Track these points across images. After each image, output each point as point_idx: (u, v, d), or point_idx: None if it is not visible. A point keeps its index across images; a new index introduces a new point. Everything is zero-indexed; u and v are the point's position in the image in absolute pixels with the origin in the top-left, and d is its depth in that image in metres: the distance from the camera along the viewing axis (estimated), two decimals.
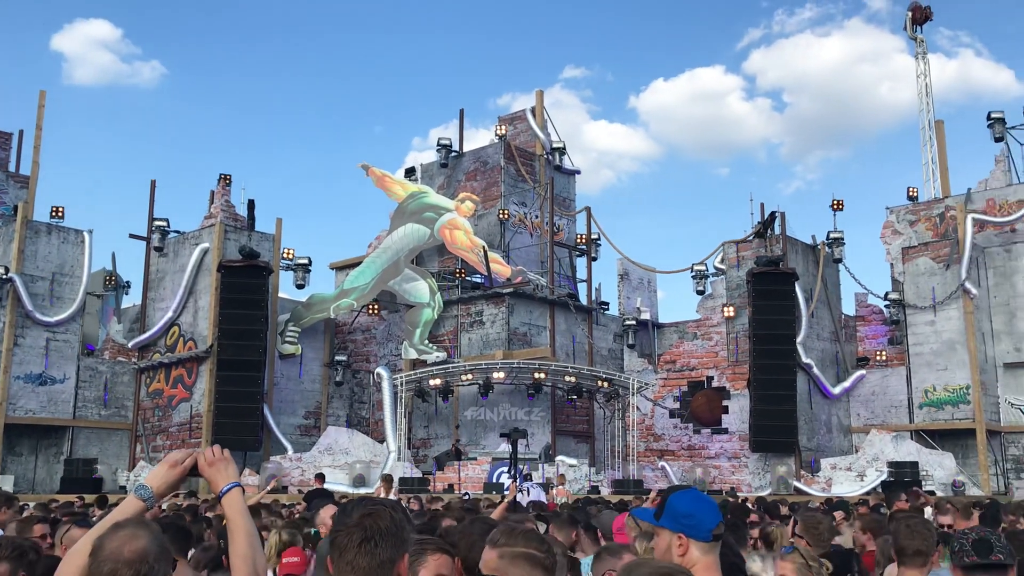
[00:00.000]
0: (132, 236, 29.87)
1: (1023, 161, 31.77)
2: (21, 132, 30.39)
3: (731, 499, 22.17)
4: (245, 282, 26.78)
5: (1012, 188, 31.12)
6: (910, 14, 37.22)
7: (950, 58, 77.56)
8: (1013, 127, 31.89)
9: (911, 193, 32.63)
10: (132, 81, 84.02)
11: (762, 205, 30.75)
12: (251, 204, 29.15)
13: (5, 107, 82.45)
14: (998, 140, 31.93)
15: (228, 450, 3.01)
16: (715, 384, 30.06)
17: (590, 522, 6.73)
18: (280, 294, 29.66)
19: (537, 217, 32.75)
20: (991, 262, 30.29)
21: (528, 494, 20.69)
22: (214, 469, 2.91)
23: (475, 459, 25.06)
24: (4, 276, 26.55)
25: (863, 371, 31.13)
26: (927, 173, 35.06)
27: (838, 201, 30.74)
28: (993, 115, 31.92)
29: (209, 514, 10.83)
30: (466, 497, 18.28)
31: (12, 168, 30.12)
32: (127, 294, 33.05)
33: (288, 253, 29.45)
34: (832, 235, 30.76)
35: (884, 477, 25.42)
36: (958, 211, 30.30)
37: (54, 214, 28.39)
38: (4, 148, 30.09)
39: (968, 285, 29.02)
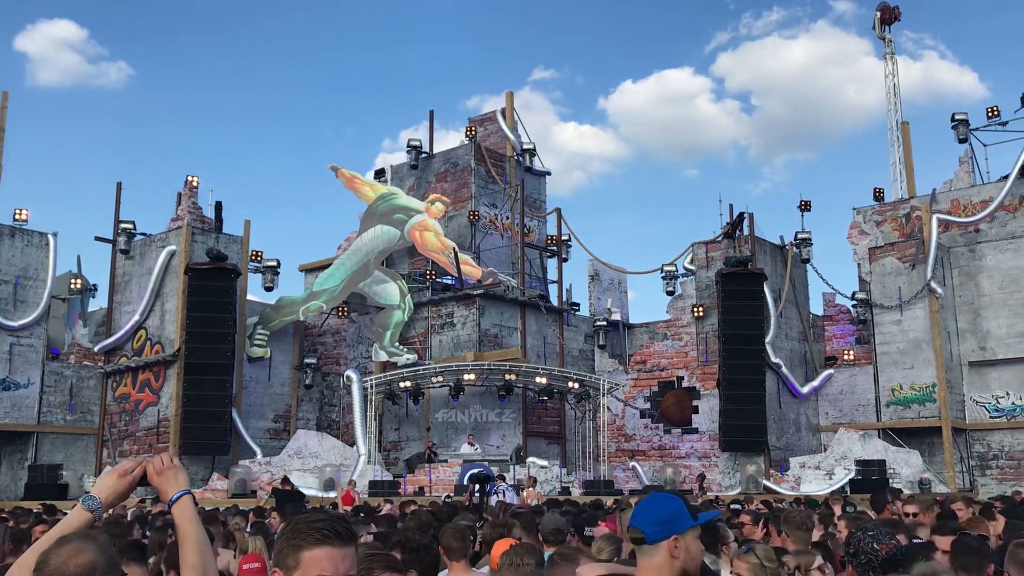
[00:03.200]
0: (98, 239, 29.54)
1: (986, 162, 32.28)
2: None
3: (697, 493, 22.29)
4: (213, 285, 26.54)
5: (976, 189, 31.56)
6: (878, 14, 37.47)
7: (915, 60, 78.61)
8: (976, 128, 32.34)
9: (877, 194, 33.00)
10: (98, 82, 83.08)
11: (731, 206, 30.99)
12: (219, 206, 28.90)
13: None
14: (962, 141, 32.36)
15: (177, 458, 2.97)
16: (685, 384, 30.21)
17: (535, 525, 6.70)
18: (248, 296, 29.43)
19: (508, 218, 32.75)
20: (956, 262, 30.70)
21: (504, 496, 20.71)
22: (163, 478, 2.86)
23: (446, 461, 25.00)
24: None
25: (831, 370, 31.43)
26: (894, 173, 35.49)
27: (805, 202, 31.04)
28: (957, 116, 32.34)
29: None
30: (448, 499, 18.23)
31: None
32: (93, 297, 32.60)
33: (256, 255, 29.22)
34: (800, 236, 31.04)
35: (852, 475, 25.66)
36: (923, 211, 30.68)
37: (17, 216, 27.97)
38: None
39: (933, 285, 29.39)
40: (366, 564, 3.18)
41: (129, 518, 10.59)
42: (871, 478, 24.55)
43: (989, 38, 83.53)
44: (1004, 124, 31.78)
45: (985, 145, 32.44)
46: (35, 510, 14.24)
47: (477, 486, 17.89)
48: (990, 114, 32.04)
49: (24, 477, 25.82)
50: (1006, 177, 30.70)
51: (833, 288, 32.53)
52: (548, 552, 4.92)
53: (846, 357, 31.35)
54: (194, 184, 29.03)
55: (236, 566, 6.57)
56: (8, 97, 28.82)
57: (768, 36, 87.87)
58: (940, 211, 31.02)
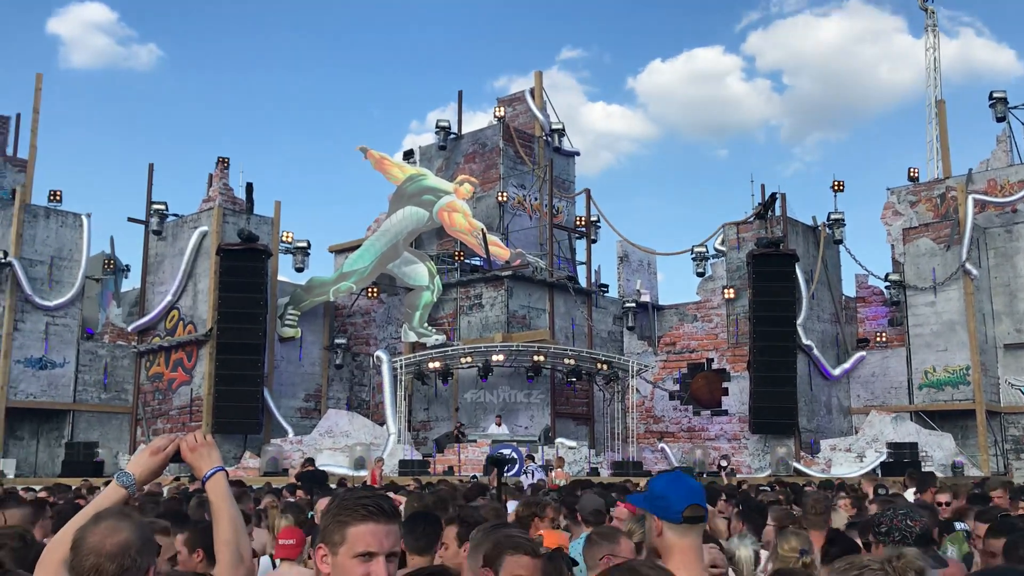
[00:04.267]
0: (131, 220, 29.83)
1: None
2: (18, 116, 30.27)
3: (723, 475, 22.19)
4: (244, 265, 26.75)
5: (1013, 168, 31.00)
6: None
7: (951, 38, 77.09)
8: (1015, 107, 31.71)
9: (912, 174, 32.50)
10: (129, 64, 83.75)
11: (762, 186, 30.68)
12: (249, 187, 29.09)
13: (2, 91, 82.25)
14: (1000, 120, 31.75)
15: (211, 435, 2.99)
16: (715, 366, 30.07)
17: (572, 505, 6.71)
18: (279, 277, 29.64)
19: (536, 199, 32.66)
20: (992, 243, 30.21)
21: (532, 476, 20.77)
22: (196, 454, 2.89)
23: (475, 441, 25.11)
24: (3, 260, 26.52)
25: (863, 352, 31.12)
26: (931, 151, 34.82)
27: (839, 182, 30.64)
28: (995, 95, 31.72)
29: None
30: (473, 479, 18.32)
31: (10, 152, 29.99)
32: (126, 278, 33.04)
33: (287, 236, 29.40)
34: (833, 216, 30.66)
35: (883, 458, 25.46)
36: (959, 192, 30.19)
37: (52, 198, 28.34)
38: (1, 132, 29.96)
39: (969, 266, 28.96)
40: (503, 539, 3.27)
41: (166, 495, 10.74)
42: (903, 461, 24.32)
43: None
44: None
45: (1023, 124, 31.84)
46: (74, 487, 14.49)
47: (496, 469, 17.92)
48: None
49: (61, 454, 26.29)
50: None
51: (866, 269, 32.21)
52: (585, 532, 4.92)
53: (878, 339, 31.04)
54: (225, 165, 29.24)
55: (272, 544, 6.64)
56: (42, 79, 29.14)
57: (800, 14, 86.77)
58: (976, 191, 30.52)
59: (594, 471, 24.50)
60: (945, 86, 36.41)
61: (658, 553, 2.99)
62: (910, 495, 10.22)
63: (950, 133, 32.95)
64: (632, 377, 27.80)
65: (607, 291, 32.91)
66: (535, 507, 5.84)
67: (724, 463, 25.47)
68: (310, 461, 20.36)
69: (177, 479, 18.30)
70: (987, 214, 30.48)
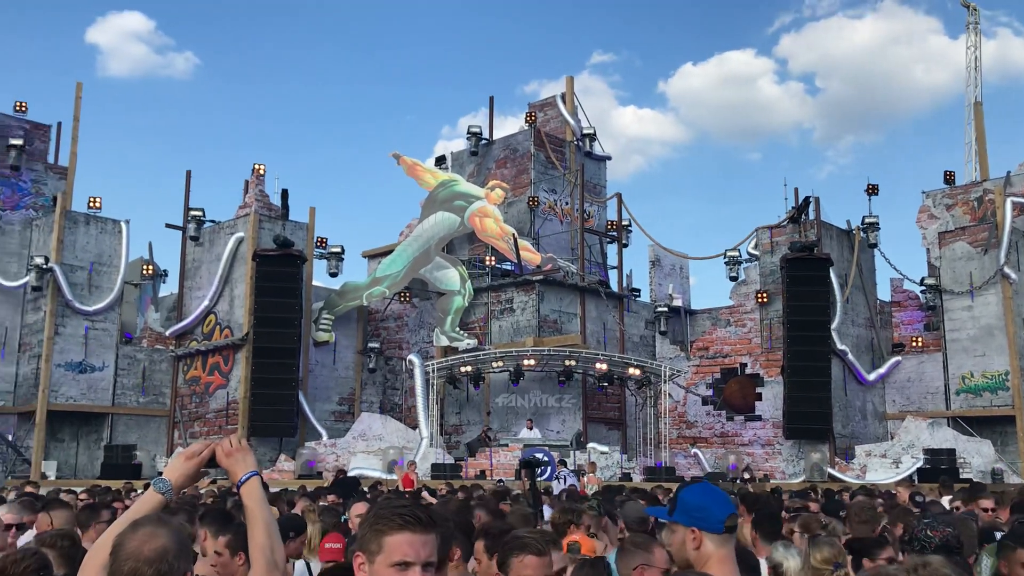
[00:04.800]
0: (168, 226, 30.28)
1: None
2: (59, 124, 30.89)
3: (745, 483, 21.98)
4: (279, 271, 27.06)
5: None
6: None
7: (988, 38, 75.95)
8: None
9: (948, 177, 32.06)
10: (166, 72, 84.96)
11: (796, 190, 30.42)
12: (284, 193, 29.41)
13: (43, 100, 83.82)
14: None
15: (245, 440, 3.07)
16: (748, 371, 29.88)
17: (613, 512, 6.68)
18: (314, 282, 29.95)
19: (567, 204, 32.68)
20: None
21: (564, 482, 20.79)
22: (232, 459, 2.96)
23: (506, 445, 25.17)
24: (44, 266, 27.05)
25: (899, 357, 30.76)
26: (970, 153, 34.27)
27: (873, 185, 30.32)
28: None
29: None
30: (500, 483, 18.40)
31: (51, 160, 30.59)
32: (164, 283, 33.50)
33: (321, 242, 29.68)
34: (867, 220, 30.33)
35: (920, 464, 25.15)
36: (996, 194, 29.75)
37: (92, 204, 28.86)
38: (43, 140, 30.57)
39: (1007, 270, 28.52)
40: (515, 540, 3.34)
41: (204, 498, 10.91)
42: (940, 467, 24.01)
43: None
44: None
45: None
46: (115, 488, 14.77)
47: (525, 471, 17.93)
48: None
49: (100, 457, 26.74)
50: None
51: (901, 273, 31.82)
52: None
53: (914, 344, 30.65)
54: (260, 172, 29.59)
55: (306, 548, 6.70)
56: (82, 88, 29.70)
57: (832, 16, 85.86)
58: (1015, 194, 30.02)
59: (626, 476, 24.46)
60: (984, 86, 35.80)
61: (690, 565, 3.00)
62: (946, 502, 10.12)
63: (987, 135, 32.47)
64: (664, 382, 27.70)
65: (639, 295, 32.83)
66: (571, 514, 5.85)
67: (747, 474, 25.29)
68: (341, 472, 20.57)
69: (213, 481, 18.57)
70: None
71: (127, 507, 4.48)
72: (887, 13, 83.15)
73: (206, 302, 28.72)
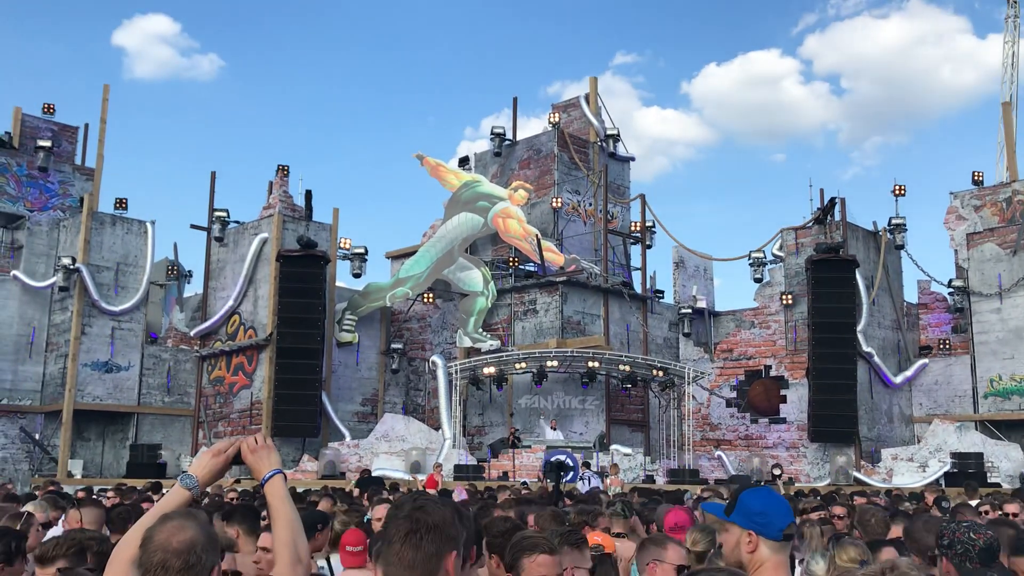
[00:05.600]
0: (193, 227, 30.49)
1: None
2: (86, 126, 31.21)
3: (778, 483, 21.81)
4: (303, 271, 27.17)
5: None
6: None
7: (1020, 36, 75.02)
8: None
9: (976, 177, 31.68)
10: (191, 74, 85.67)
11: (821, 191, 30.18)
12: (308, 194, 29.55)
13: (71, 101, 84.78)
14: None
15: (270, 438, 3.07)
16: (773, 373, 29.67)
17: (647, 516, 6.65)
18: (337, 283, 30.05)
19: (591, 205, 32.60)
20: None
21: (588, 483, 20.71)
22: (256, 457, 2.97)
23: (529, 447, 25.13)
24: (71, 267, 27.33)
25: (926, 360, 30.43)
26: (1000, 153, 33.59)
27: (900, 186, 30.00)
28: None
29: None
30: (524, 484, 18.38)
31: (78, 161, 30.92)
32: (189, 283, 33.78)
33: (345, 243, 29.78)
34: (894, 221, 30.03)
35: (947, 468, 24.86)
36: None
37: (118, 206, 29.13)
38: (71, 142, 30.90)
39: None
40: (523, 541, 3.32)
41: (227, 496, 10.93)
42: (967, 471, 23.72)
43: None
44: None
45: None
46: (139, 487, 14.87)
47: (550, 476, 17.86)
48: None
49: (126, 456, 26.97)
50: None
51: (928, 275, 31.49)
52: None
53: (941, 346, 30.32)
54: (284, 173, 29.74)
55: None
56: (109, 90, 29.99)
57: (858, 16, 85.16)
58: None
59: (649, 478, 24.35)
60: (1014, 86, 35.26)
61: (742, 566, 3.02)
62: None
63: (1017, 135, 32.04)
64: (688, 384, 27.56)
65: (662, 297, 32.69)
66: (586, 515, 5.84)
67: (778, 471, 25.10)
68: (366, 471, 20.63)
69: (237, 480, 18.66)
70: None
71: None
72: (913, 13, 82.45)
73: (230, 302, 28.90)
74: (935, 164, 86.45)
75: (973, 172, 31.69)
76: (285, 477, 2.99)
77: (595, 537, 5.36)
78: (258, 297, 28.50)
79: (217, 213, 29.76)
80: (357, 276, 30.42)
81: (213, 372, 29.31)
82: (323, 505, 9.85)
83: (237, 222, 29.93)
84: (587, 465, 22.13)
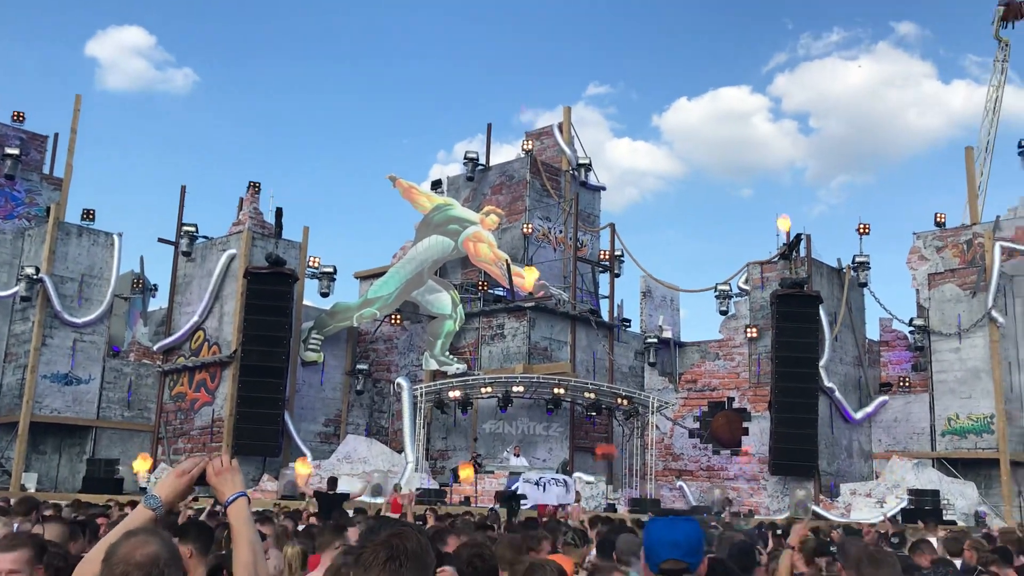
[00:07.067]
0: (161, 240, 30.28)
1: None
2: (56, 135, 30.95)
3: (723, 516, 21.78)
4: (270, 289, 27.04)
5: None
6: (1001, 9, 33.93)
7: (980, 84, 76.88)
8: None
9: (938, 219, 32.33)
10: (164, 87, 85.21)
11: (788, 227, 30.59)
12: (279, 212, 29.48)
13: (40, 110, 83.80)
14: None
15: (236, 460, 3.10)
16: (736, 405, 29.90)
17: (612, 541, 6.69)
18: (304, 302, 29.92)
19: (561, 232, 32.81)
20: (1019, 290, 29.92)
21: (544, 489, 20.55)
22: (221, 479, 2.99)
23: (492, 472, 25.07)
24: (35, 277, 26.98)
25: (886, 397, 30.84)
26: (978, 192, 33.44)
27: (864, 225, 30.54)
28: (1023, 142, 31.59)
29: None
30: (491, 511, 18.29)
31: (46, 170, 30.62)
32: (154, 297, 33.50)
33: (314, 261, 29.71)
34: (858, 259, 30.53)
35: (904, 504, 25.14)
36: (986, 238, 30.00)
37: (85, 216, 28.85)
38: (39, 150, 30.60)
39: (995, 313, 28.72)
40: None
41: (193, 515, 10.80)
42: (924, 508, 24.01)
43: None
44: None
45: None
46: (104, 503, 14.63)
47: (500, 505, 17.74)
48: None
49: (82, 470, 26.52)
50: None
51: (890, 313, 31.98)
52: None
53: (901, 384, 30.75)
54: (256, 190, 29.66)
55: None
56: (80, 100, 29.77)
57: (827, 57, 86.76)
58: (1003, 238, 30.28)
59: (611, 507, 24.37)
60: (974, 132, 36.01)
61: None
62: (935, 542, 10.10)
63: (977, 179, 32.72)
64: (652, 413, 27.69)
65: (629, 326, 32.89)
66: (530, 540, 5.90)
67: (729, 508, 25.18)
68: (332, 482, 20.38)
69: (195, 499, 18.40)
70: (1014, 262, 30.22)
71: (111, 523, 4.48)
72: (881, 56, 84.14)
73: (195, 318, 28.66)
74: (899, 205, 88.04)
75: (936, 214, 32.37)
76: (249, 500, 3.03)
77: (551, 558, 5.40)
78: (224, 313, 28.29)
79: (186, 227, 29.57)
80: (325, 295, 30.34)
81: (175, 388, 28.99)
82: (281, 526, 9.77)
83: (206, 237, 29.76)
84: (566, 472, 22.10)
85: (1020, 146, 31.73)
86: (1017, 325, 29.74)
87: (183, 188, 30.36)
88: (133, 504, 14.13)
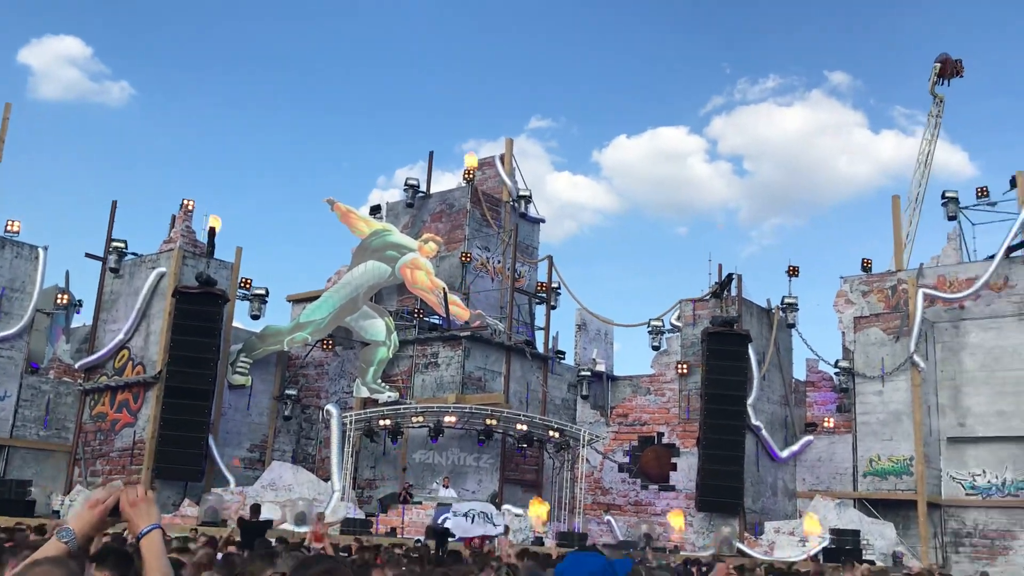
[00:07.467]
0: (88, 255, 29.47)
1: (974, 240, 32.62)
2: None
3: (646, 551, 21.89)
4: (200, 309, 26.50)
5: (963, 266, 31.87)
6: (937, 66, 34.91)
7: (907, 135, 79.72)
8: (966, 207, 32.77)
9: (865, 264, 33.26)
10: (99, 99, 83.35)
11: (720, 266, 31.16)
12: (212, 231, 28.93)
13: None
14: (951, 219, 32.77)
15: (151, 491, 3.00)
16: (665, 440, 30.16)
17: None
18: (234, 323, 29.37)
19: (499, 262, 32.88)
20: (940, 337, 30.90)
21: (471, 522, 20.38)
22: (136, 510, 2.89)
23: (420, 503, 24.81)
24: None
25: (811, 436, 31.44)
26: (906, 240, 34.33)
27: (794, 267, 31.28)
28: (947, 194, 32.79)
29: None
30: (418, 543, 18.05)
31: None
32: (78, 313, 32.48)
33: (246, 283, 29.21)
34: (787, 300, 31.24)
35: (826, 544, 25.57)
36: (910, 285, 30.95)
37: (9, 227, 27.96)
38: None
39: (916, 358, 29.57)
40: None
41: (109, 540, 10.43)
42: (844, 547, 24.48)
43: (980, 119, 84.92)
44: (993, 205, 32.23)
45: (973, 224, 32.83)
46: (13, 526, 14.06)
47: (433, 542, 17.59)
48: (979, 194, 32.49)
49: None
50: (992, 257, 31.04)
51: (817, 355, 32.69)
52: None
53: (826, 424, 31.39)
54: (189, 208, 29.11)
55: None
56: (10, 109, 28.96)
57: (763, 102, 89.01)
58: (926, 286, 31.29)
59: (539, 540, 24.28)
60: (900, 181, 37.23)
61: None
62: None
63: (903, 228, 33.79)
64: (583, 447, 27.76)
65: (564, 358, 33.02)
66: (458, 574, 5.84)
67: (649, 542, 25.28)
68: (256, 508, 19.94)
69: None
70: (936, 309, 31.22)
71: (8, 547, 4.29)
72: (815, 103, 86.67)
73: (120, 336, 27.91)
74: (828, 249, 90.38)
75: (863, 259, 33.30)
76: (163, 532, 2.93)
77: None
78: (150, 332, 27.61)
79: (115, 243, 28.87)
80: (256, 318, 29.81)
81: (96, 407, 28.12)
82: (201, 554, 9.49)
83: (135, 254, 29.08)
84: (493, 514, 21.97)
85: (943, 197, 32.88)
86: (937, 370, 30.68)
87: (114, 203, 29.68)
88: (42, 529, 13.60)
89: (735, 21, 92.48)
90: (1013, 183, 31.73)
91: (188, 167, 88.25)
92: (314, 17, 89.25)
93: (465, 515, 22.35)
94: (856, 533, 25.82)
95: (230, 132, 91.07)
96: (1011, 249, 30.63)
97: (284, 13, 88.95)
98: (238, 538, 15.79)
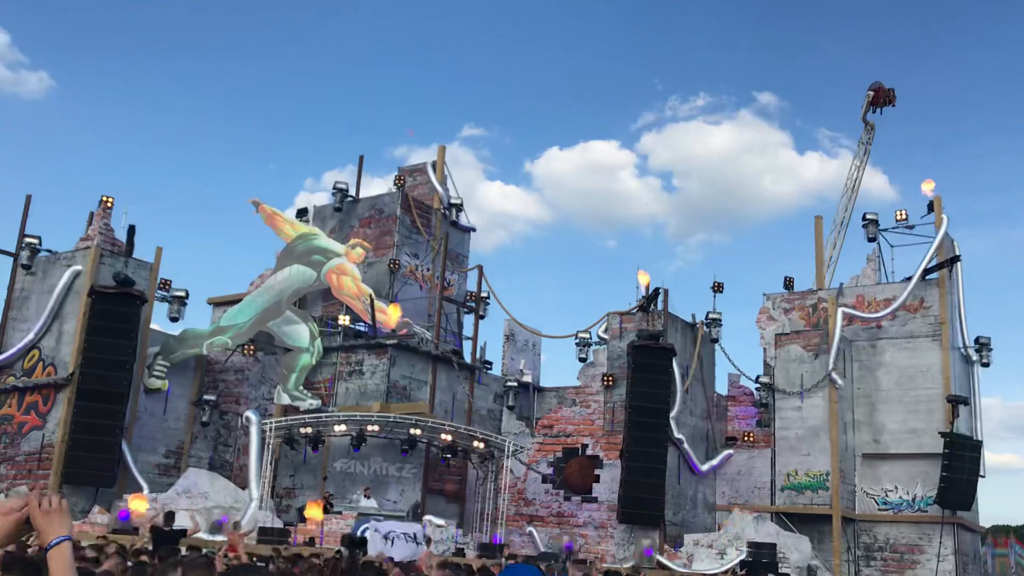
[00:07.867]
0: None
1: (892, 262, 33.65)
2: None
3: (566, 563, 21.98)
4: (116, 310, 25.65)
5: (881, 287, 32.86)
6: (871, 94, 35.77)
7: (831, 157, 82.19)
8: (885, 229, 33.80)
9: (787, 282, 34.05)
10: (16, 90, 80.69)
11: (648, 280, 31.49)
12: (131, 230, 28.07)
13: None
14: (871, 240, 33.76)
15: (65, 501, 2.83)
16: (589, 452, 30.30)
17: None
18: (152, 325, 28.49)
19: (428, 270, 32.67)
20: (857, 355, 31.78)
21: (391, 544, 20.09)
22: (47, 519, 2.74)
23: (340, 513, 24.39)
24: None
25: (731, 450, 31.97)
26: (830, 263, 35.14)
27: (718, 283, 31.81)
28: (868, 216, 33.79)
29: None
30: (338, 553, 17.66)
31: None
32: None
33: (165, 284, 28.41)
34: (711, 315, 31.74)
35: (744, 557, 25.95)
36: (830, 304, 31.78)
37: None
38: None
39: (834, 375, 30.34)
40: None
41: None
42: (761, 561, 24.89)
43: (901, 144, 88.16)
44: (911, 228, 33.30)
45: (892, 246, 33.86)
46: None
47: (345, 551, 17.30)
48: (898, 217, 33.55)
49: None
50: (909, 278, 32.08)
51: (739, 370, 33.30)
52: None
53: (746, 439, 31.97)
54: (108, 204, 28.19)
55: None
56: None
57: (692, 120, 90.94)
58: (846, 305, 32.17)
59: (460, 551, 24.10)
60: (823, 202, 38.28)
61: None
62: None
63: (824, 248, 34.69)
64: (507, 457, 27.69)
65: (491, 368, 32.94)
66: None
67: (568, 555, 25.34)
68: (169, 516, 19.31)
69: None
70: (854, 328, 32.12)
71: None
72: (742, 123, 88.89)
73: (31, 335, 26.83)
74: (752, 265, 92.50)
75: (785, 277, 34.09)
76: (72, 545, 2.77)
77: None
78: (63, 333, 26.62)
79: (28, 239, 27.79)
80: (175, 320, 29.00)
81: (1, 409, 26.95)
82: (108, 564, 9.11)
83: (49, 251, 28.02)
84: (415, 535, 21.67)
85: (864, 219, 33.86)
86: (854, 387, 31.53)
87: (28, 197, 28.58)
88: None
89: (667, 39, 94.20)
90: (931, 207, 32.87)
91: (108, 162, 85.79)
92: (251, 12, 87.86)
93: (385, 536, 21.94)
94: (773, 547, 26.27)
95: (154, 128, 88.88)
96: (927, 271, 31.70)
97: (213, 7, 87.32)
98: (150, 547, 15.25)
